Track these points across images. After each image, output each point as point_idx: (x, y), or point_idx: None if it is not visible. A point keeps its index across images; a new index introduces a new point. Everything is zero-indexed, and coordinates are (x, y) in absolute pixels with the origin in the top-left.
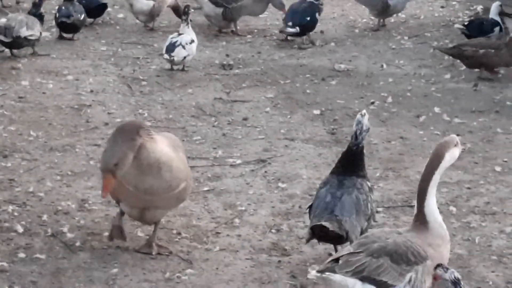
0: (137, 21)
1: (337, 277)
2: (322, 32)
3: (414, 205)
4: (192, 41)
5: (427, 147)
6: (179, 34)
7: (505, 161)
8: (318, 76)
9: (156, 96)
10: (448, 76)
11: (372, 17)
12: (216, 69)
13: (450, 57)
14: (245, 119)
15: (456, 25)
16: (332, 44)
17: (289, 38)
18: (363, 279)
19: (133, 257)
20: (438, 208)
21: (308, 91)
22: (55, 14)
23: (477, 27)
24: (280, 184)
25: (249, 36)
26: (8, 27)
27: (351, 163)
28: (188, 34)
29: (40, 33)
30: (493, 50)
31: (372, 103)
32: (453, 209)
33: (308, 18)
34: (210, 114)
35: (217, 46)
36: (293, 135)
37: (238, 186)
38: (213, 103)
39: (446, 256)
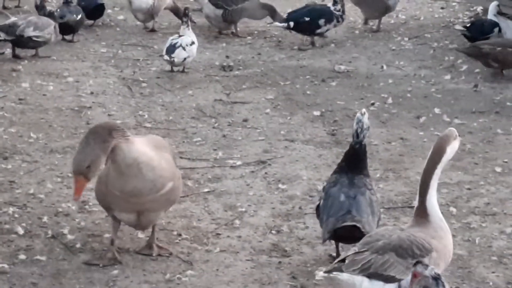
0: (137, 22)
1: (344, 276)
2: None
3: (414, 206)
4: (193, 42)
5: (427, 148)
6: (180, 36)
7: (505, 162)
8: (318, 77)
9: (156, 98)
10: (448, 77)
11: (367, 20)
12: (216, 70)
13: (451, 58)
14: (245, 120)
15: (457, 27)
16: (332, 45)
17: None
18: (370, 276)
19: (133, 259)
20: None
21: (308, 92)
22: None
23: (478, 28)
24: (280, 185)
25: (249, 37)
26: (13, 26)
27: (356, 162)
28: (188, 36)
29: (52, 36)
30: (510, 49)
31: (372, 104)
32: (453, 209)
33: (307, 19)
34: (210, 116)
35: (217, 47)
36: (293, 136)
37: (238, 187)
38: (213, 105)
39: (450, 247)
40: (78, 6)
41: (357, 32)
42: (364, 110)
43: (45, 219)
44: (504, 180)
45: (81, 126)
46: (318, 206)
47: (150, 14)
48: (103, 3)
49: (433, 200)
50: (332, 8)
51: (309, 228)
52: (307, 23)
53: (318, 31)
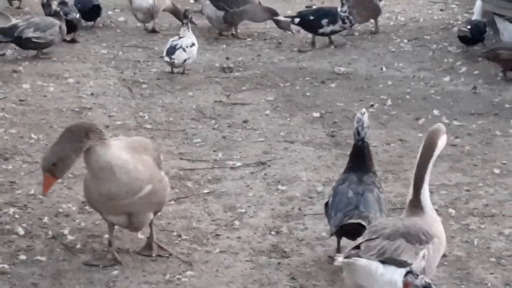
0: (138, 24)
1: (363, 261)
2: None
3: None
4: (193, 44)
5: None
6: (180, 37)
7: (504, 164)
8: (318, 79)
9: (157, 99)
10: (447, 79)
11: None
12: (216, 72)
13: (450, 60)
14: (245, 121)
15: (462, 29)
16: (332, 47)
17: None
18: (384, 261)
19: (133, 259)
20: (437, 210)
21: (308, 94)
22: None
23: (477, 29)
24: (280, 187)
25: (249, 39)
26: (12, 27)
27: (362, 160)
28: (188, 37)
29: (55, 37)
30: None
31: (372, 105)
32: (452, 211)
33: (312, 17)
34: (210, 117)
35: (217, 49)
36: (293, 137)
37: (238, 188)
38: (213, 106)
39: (444, 235)
40: (73, 6)
41: (356, 34)
42: (364, 110)
43: (45, 219)
44: (503, 181)
45: None
46: (327, 203)
47: (150, 14)
48: (98, 4)
49: (426, 192)
50: (339, 10)
51: (308, 229)
52: (311, 22)
53: (321, 30)
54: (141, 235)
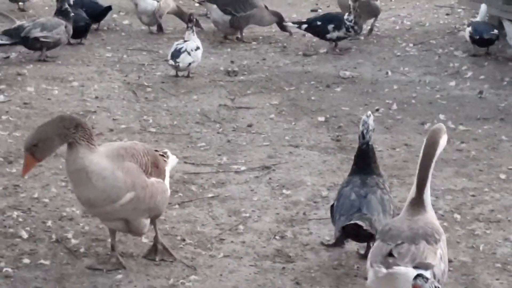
0: (143, 27)
1: (403, 269)
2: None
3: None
4: (198, 47)
5: None
6: (185, 41)
7: (510, 169)
8: (323, 83)
9: (161, 103)
10: (453, 83)
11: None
12: (221, 75)
13: (456, 64)
14: (249, 125)
15: (492, 33)
16: (337, 51)
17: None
18: (416, 267)
19: (137, 263)
20: (443, 215)
21: (313, 98)
22: None
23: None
24: (284, 191)
25: (254, 42)
26: (18, 28)
27: (366, 162)
28: (193, 41)
29: (62, 36)
30: None
31: (377, 110)
32: (457, 216)
33: (319, 23)
34: (215, 121)
35: (222, 52)
36: (298, 142)
37: (242, 192)
38: (218, 110)
39: None
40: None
41: (361, 37)
42: (369, 112)
43: (49, 223)
44: (509, 187)
45: None
46: (332, 206)
47: (155, 17)
48: (110, 6)
49: (428, 192)
50: (345, 17)
51: (313, 234)
52: (318, 27)
53: (328, 36)
54: (145, 239)
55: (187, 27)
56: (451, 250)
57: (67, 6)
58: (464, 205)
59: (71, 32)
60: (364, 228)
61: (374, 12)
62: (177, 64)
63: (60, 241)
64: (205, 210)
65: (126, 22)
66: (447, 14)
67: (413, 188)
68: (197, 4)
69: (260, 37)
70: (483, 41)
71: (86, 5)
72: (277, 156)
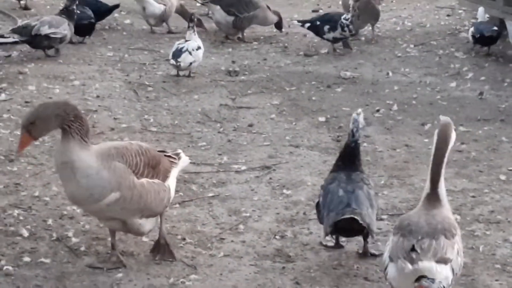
0: (144, 26)
1: (427, 264)
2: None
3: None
4: (199, 47)
5: None
6: (186, 41)
7: (510, 170)
8: (323, 83)
9: (162, 102)
10: (453, 84)
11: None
12: (222, 75)
13: (456, 65)
14: (250, 125)
15: (493, 29)
16: (338, 51)
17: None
18: (437, 261)
19: (137, 262)
20: None
21: (313, 98)
22: None
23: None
24: (284, 191)
25: (255, 43)
26: (27, 26)
27: (352, 160)
28: (194, 41)
29: (67, 32)
30: None
31: (378, 110)
32: (457, 217)
33: (318, 23)
34: (216, 120)
35: (223, 52)
36: (298, 142)
37: (243, 192)
38: (219, 110)
39: None
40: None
41: (362, 38)
42: (360, 110)
43: (50, 221)
44: (509, 188)
45: None
46: (317, 203)
47: (162, 19)
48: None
49: (442, 186)
50: (342, 17)
51: (313, 234)
52: (317, 27)
53: (324, 36)
54: (145, 238)
55: (188, 26)
56: None
57: (74, 6)
58: (464, 206)
59: (72, 30)
60: (360, 222)
61: (376, 16)
62: (178, 63)
63: (60, 240)
64: (205, 210)
65: (127, 21)
66: (448, 15)
67: (427, 184)
68: (198, 4)
69: (261, 37)
70: (484, 39)
71: (89, 4)
72: (277, 156)
